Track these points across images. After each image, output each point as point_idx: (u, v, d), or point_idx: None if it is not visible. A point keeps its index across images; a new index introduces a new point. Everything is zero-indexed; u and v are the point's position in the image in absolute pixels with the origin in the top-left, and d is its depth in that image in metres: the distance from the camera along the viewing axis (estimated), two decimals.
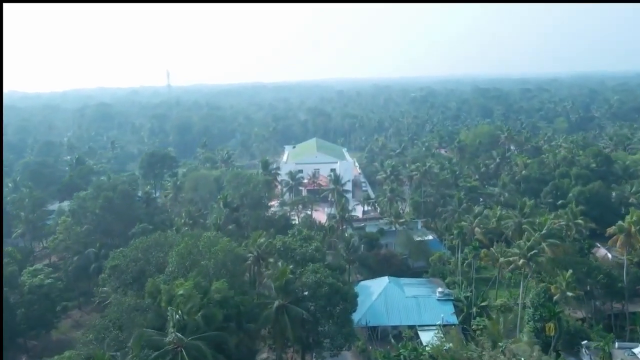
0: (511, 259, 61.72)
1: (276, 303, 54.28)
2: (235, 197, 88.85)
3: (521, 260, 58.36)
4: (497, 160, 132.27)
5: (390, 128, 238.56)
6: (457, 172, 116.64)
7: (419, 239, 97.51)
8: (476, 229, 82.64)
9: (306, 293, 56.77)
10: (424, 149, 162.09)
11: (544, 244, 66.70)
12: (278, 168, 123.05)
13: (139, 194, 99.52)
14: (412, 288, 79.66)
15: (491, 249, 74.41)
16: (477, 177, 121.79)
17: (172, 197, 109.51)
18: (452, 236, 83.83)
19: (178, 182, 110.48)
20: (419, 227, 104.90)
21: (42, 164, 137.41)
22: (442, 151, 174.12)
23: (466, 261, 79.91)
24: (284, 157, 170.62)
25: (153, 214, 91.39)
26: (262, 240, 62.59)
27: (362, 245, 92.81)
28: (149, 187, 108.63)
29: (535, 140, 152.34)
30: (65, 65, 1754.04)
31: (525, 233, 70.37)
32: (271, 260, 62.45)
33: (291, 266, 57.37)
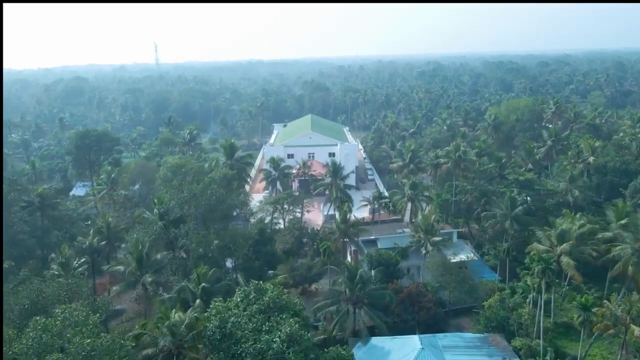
0: None
1: None
2: (177, 203, 56.61)
3: None
4: (549, 143, 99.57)
5: (399, 103, 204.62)
6: (504, 160, 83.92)
7: (456, 259, 66.00)
8: (563, 257, 50.50)
9: None
10: (445, 127, 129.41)
11: None
12: (249, 156, 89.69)
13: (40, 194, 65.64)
14: (459, 357, 48.32)
15: (606, 303, 42.12)
16: (530, 166, 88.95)
17: (104, 196, 77.22)
18: (528, 272, 51.37)
19: (113, 175, 78.02)
20: (455, 239, 73.13)
21: None
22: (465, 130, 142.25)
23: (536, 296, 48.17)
24: (272, 138, 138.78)
25: (49, 230, 58.93)
26: (178, 316, 30.21)
27: (373, 273, 61.39)
28: (53, 185, 76.02)
29: (591, 117, 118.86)
30: (59, 43, 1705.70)
31: None
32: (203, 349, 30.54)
33: None
